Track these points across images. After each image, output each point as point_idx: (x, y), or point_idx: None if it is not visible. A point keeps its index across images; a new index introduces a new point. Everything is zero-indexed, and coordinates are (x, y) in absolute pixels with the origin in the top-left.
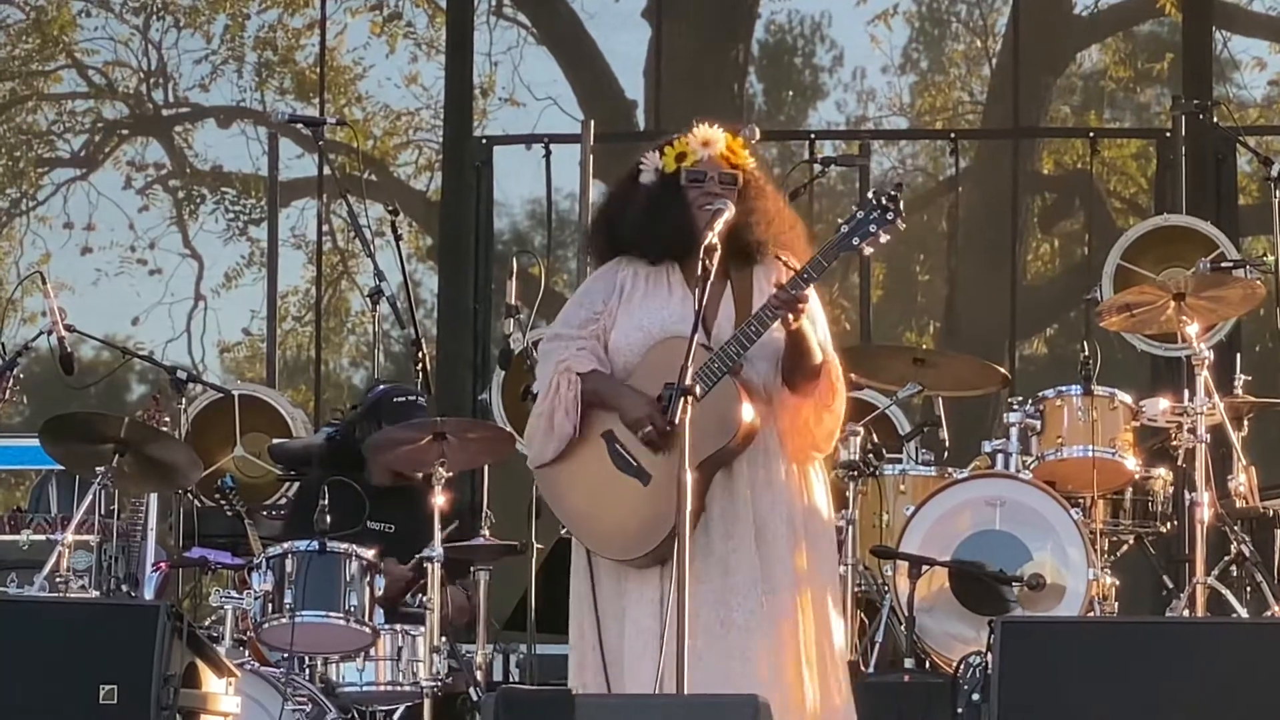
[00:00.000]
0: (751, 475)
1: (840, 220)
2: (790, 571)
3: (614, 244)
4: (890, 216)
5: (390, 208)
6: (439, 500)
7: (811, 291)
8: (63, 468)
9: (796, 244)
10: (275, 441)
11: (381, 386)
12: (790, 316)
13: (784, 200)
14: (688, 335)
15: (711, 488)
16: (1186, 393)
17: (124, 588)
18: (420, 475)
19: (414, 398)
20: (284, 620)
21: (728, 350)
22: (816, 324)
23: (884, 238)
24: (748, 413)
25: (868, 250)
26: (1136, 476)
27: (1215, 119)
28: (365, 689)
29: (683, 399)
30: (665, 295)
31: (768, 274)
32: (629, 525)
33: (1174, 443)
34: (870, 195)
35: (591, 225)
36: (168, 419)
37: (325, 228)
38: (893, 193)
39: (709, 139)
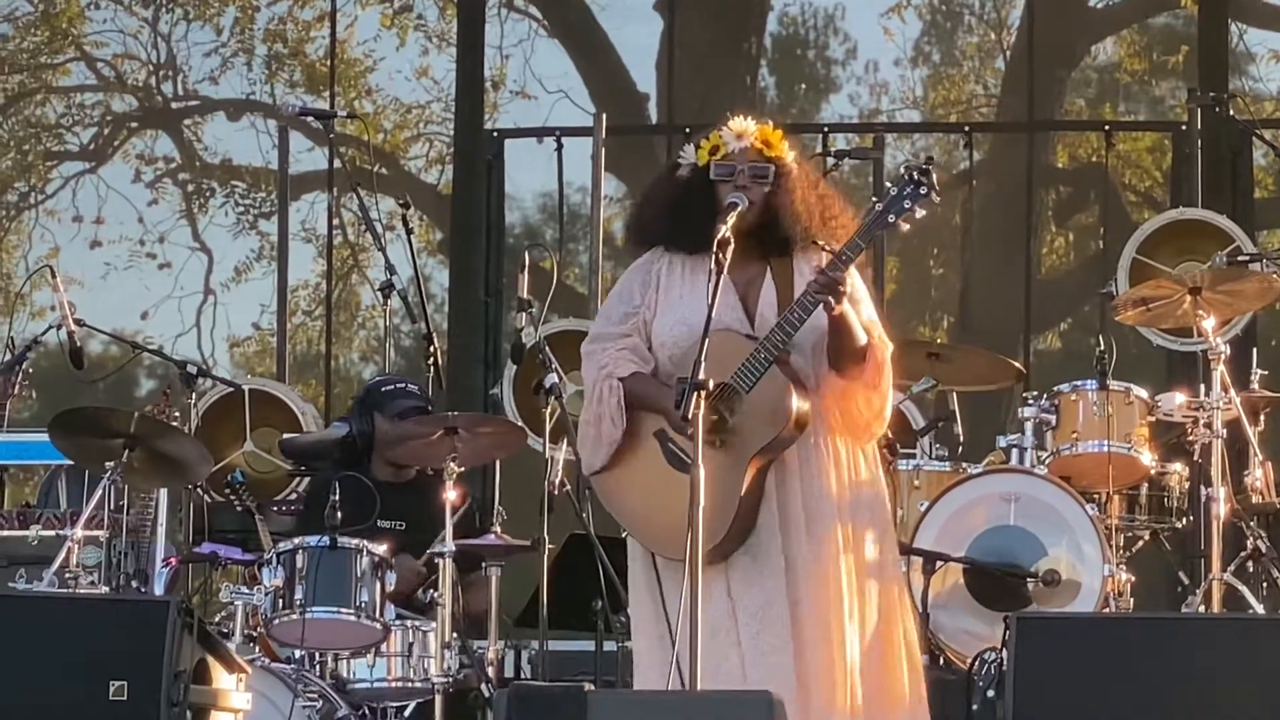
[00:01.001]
0: (803, 469)
1: (874, 199)
2: (843, 567)
3: (648, 236)
4: (924, 191)
5: (401, 201)
6: (450, 495)
7: (854, 272)
8: (72, 463)
9: (837, 235)
10: (285, 436)
11: (373, 380)
12: (831, 300)
13: (826, 191)
14: (732, 328)
15: (767, 483)
16: (1203, 387)
17: (134, 583)
18: (429, 470)
19: (403, 384)
20: (295, 616)
21: (772, 339)
22: (861, 304)
23: (919, 213)
24: (798, 401)
25: (904, 226)
26: (1152, 472)
27: (1231, 112)
28: (376, 685)
29: (695, 394)
30: (706, 288)
31: (808, 260)
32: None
33: (1190, 438)
34: (903, 171)
35: (629, 217)
36: (177, 414)
37: (335, 221)
38: (925, 167)
39: (742, 131)
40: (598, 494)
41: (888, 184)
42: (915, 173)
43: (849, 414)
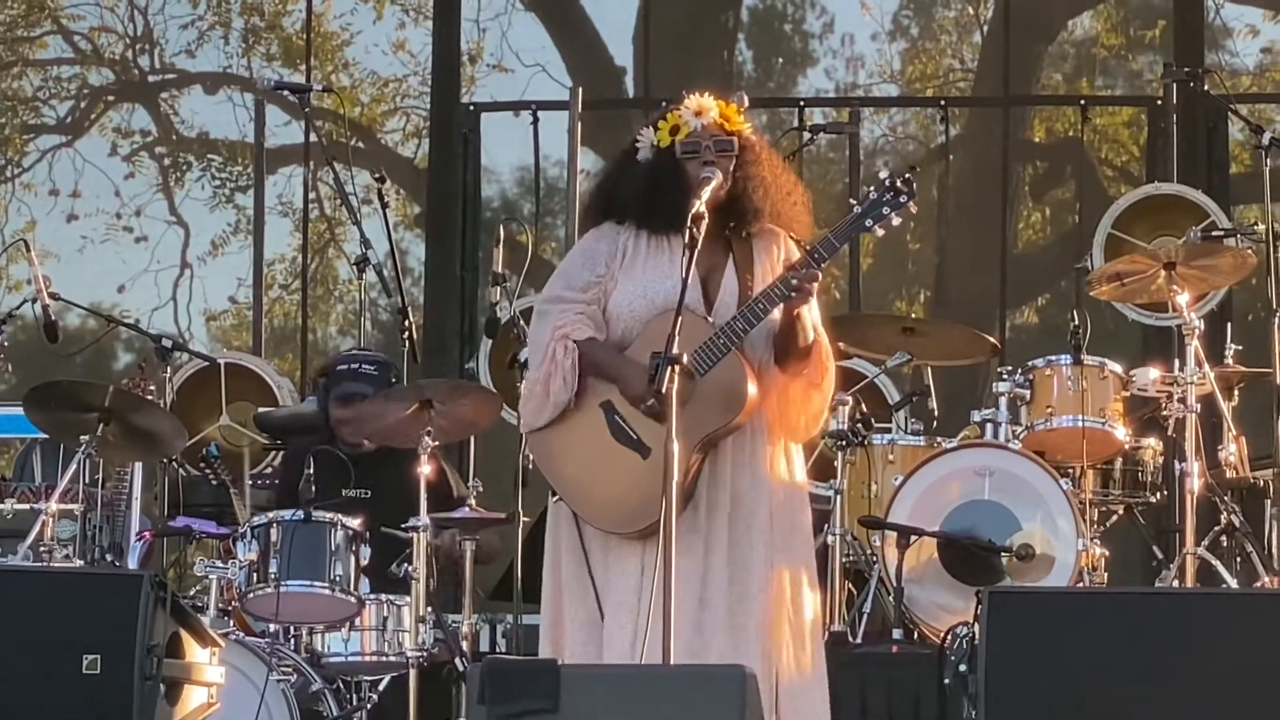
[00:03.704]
0: (735, 453)
1: (853, 200)
2: (765, 550)
3: (616, 214)
4: (903, 199)
5: (377, 175)
6: (425, 470)
7: None
8: (47, 436)
9: (796, 210)
10: (261, 410)
11: (336, 355)
12: (797, 298)
13: (784, 167)
14: (690, 308)
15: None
16: (1177, 362)
17: (108, 557)
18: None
19: (356, 365)
20: (269, 590)
21: (734, 326)
22: (811, 302)
23: (896, 220)
24: (753, 389)
25: (879, 232)
26: (1126, 446)
27: (1207, 87)
28: (350, 659)
29: (670, 368)
30: (669, 264)
31: (768, 244)
32: (628, 498)
33: (1164, 412)
34: (884, 178)
35: (587, 202)
36: (153, 387)
37: (312, 195)
38: (907, 175)
39: (701, 108)
40: (534, 456)
41: (868, 188)
42: (898, 181)
43: (787, 411)
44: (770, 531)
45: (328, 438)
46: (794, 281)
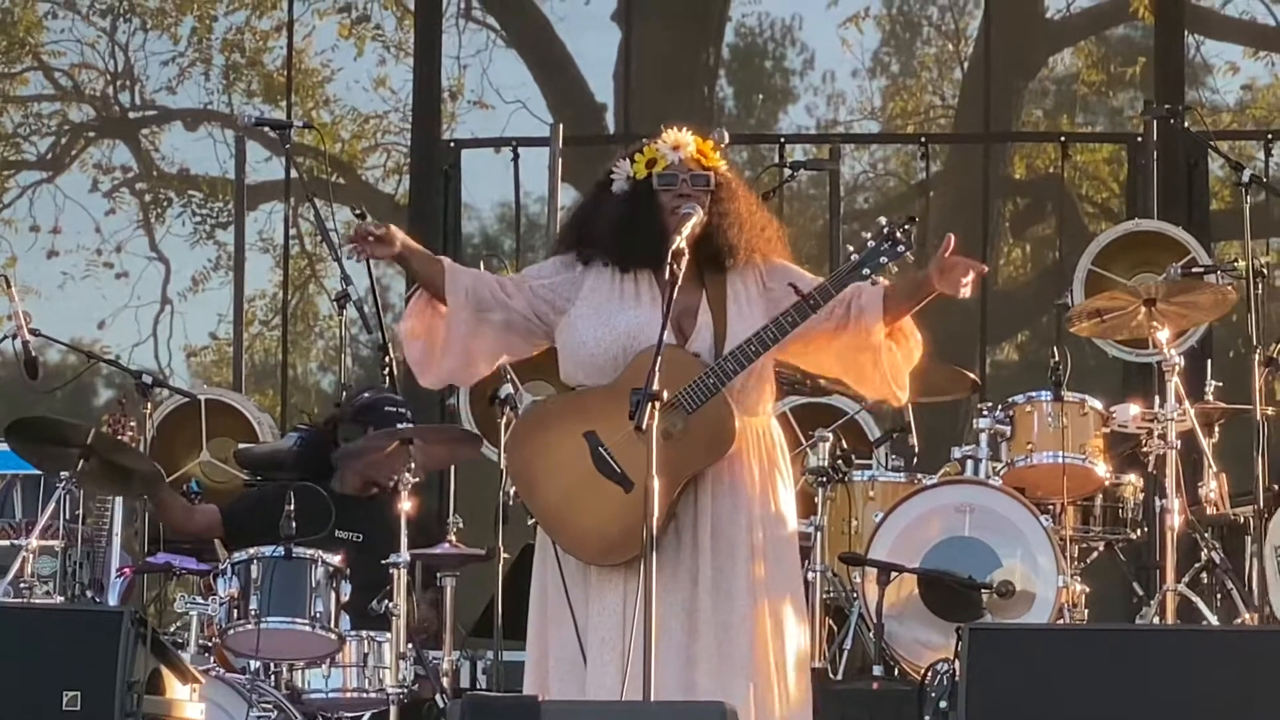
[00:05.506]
0: (714, 483)
1: (850, 248)
2: (747, 581)
3: (587, 250)
4: (901, 249)
5: (357, 211)
6: (405, 506)
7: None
8: (27, 474)
9: (770, 245)
10: (241, 446)
11: (370, 392)
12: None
13: (758, 202)
14: (673, 344)
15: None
16: (1157, 399)
17: (88, 593)
18: (390, 484)
19: (405, 410)
20: (249, 626)
21: (724, 366)
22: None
23: (894, 269)
24: (738, 426)
25: (879, 281)
26: (1107, 483)
27: (1187, 124)
28: (331, 696)
29: (650, 404)
30: (635, 298)
31: (744, 278)
32: (609, 531)
33: (1144, 449)
34: (883, 226)
35: (561, 232)
36: (134, 423)
37: (292, 231)
38: (906, 226)
39: (679, 142)
40: (515, 483)
41: (866, 235)
42: (896, 231)
43: (898, 371)
44: (752, 562)
45: (315, 474)
46: (787, 327)
